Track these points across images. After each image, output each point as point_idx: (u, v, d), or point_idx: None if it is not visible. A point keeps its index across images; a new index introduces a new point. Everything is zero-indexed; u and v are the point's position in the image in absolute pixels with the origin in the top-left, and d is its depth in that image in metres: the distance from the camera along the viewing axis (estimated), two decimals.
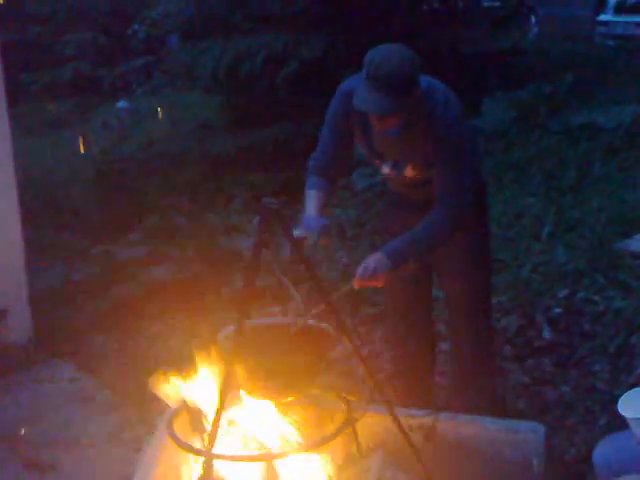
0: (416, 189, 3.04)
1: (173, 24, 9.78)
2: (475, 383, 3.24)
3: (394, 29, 7.48)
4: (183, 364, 2.55)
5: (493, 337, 3.48)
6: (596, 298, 4.50)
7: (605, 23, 11.64)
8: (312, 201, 2.98)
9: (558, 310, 4.44)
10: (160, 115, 10.26)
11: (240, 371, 2.33)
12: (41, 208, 6.48)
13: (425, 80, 2.80)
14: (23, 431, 3.66)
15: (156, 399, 2.58)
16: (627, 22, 11.11)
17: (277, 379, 2.38)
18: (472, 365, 3.25)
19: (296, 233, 2.50)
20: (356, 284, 2.75)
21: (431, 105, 2.79)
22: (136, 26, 12.15)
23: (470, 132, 3.08)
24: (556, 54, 10.40)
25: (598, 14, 11.92)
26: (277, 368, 2.36)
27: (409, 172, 2.94)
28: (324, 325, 2.50)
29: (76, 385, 4.10)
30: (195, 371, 2.50)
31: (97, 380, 4.13)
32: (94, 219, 6.53)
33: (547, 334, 4.26)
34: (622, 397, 2.28)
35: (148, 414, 3.59)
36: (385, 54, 2.70)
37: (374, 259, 2.75)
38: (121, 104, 11.26)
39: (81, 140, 8.04)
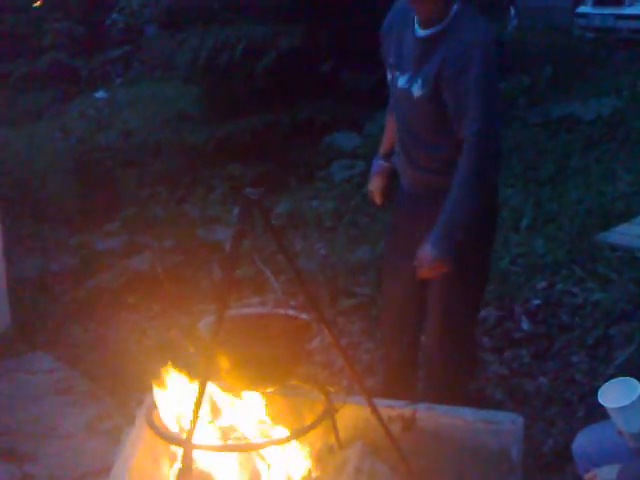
0: (404, 127, 2.95)
1: (152, 14, 9.72)
2: (446, 381, 3.13)
3: (373, 20, 7.46)
4: (162, 354, 2.54)
5: (472, 338, 3.37)
6: (575, 290, 4.52)
7: (584, 15, 11.65)
8: (383, 139, 3.24)
9: (537, 302, 4.45)
10: (138, 105, 10.19)
11: (219, 361, 2.32)
12: (19, 198, 6.44)
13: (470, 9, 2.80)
14: (1, 421, 3.63)
15: (135, 389, 2.57)
16: (606, 14, 11.12)
17: (256, 369, 2.37)
18: (443, 363, 3.13)
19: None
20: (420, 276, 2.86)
21: (465, 21, 2.75)
22: (115, 16, 12.06)
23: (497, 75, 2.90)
24: (535, 46, 10.42)
25: (577, 6, 11.93)
26: (256, 359, 2.34)
27: (417, 91, 2.82)
28: (303, 316, 2.49)
29: (54, 376, 4.08)
30: (174, 361, 2.48)
31: (75, 371, 4.11)
32: (72, 209, 6.49)
33: (526, 325, 4.27)
34: (602, 387, 2.29)
35: (127, 404, 3.58)
36: None
37: (423, 254, 2.79)
38: (99, 94, 11.18)
39: (59, 130, 7.97)
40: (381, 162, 3.23)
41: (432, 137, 2.89)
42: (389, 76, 2.98)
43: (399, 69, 2.91)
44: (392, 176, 3.23)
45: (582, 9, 11.73)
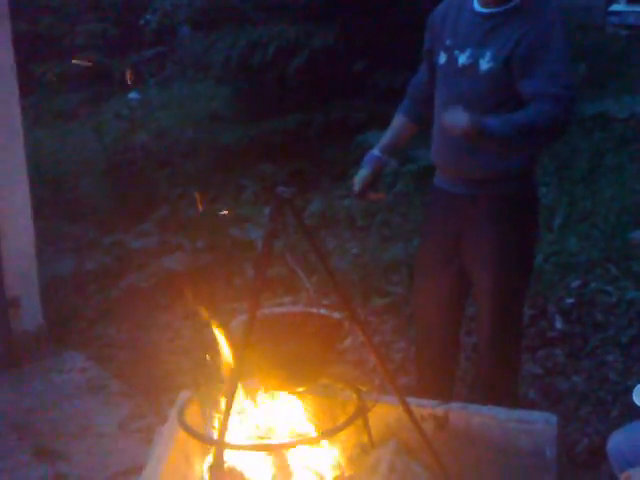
0: (473, 108, 2.82)
1: (185, 14, 9.76)
2: (497, 385, 3.17)
3: (404, 17, 7.45)
4: (194, 354, 2.55)
5: (521, 341, 3.37)
6: (609, 289, 4.48)
7: (617, 13, 11.55)
8: (386, 135, 3.22)
9: (570, 300, 4.41)
10: (171, 106, 10.24)
11: (251, 360, 2.32)
12: (52, 198, 6.50)
13: None
14: (34, 420, 3.67)
15: (167, 388, 2.58)
16: None
17: (289, 369, 2.37)
18: (493, 370, 3.17)
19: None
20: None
21: (542, 3, 2.89)
22: (148, 16, 12.13)
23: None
24: (570, 41, 10.32)
25: (610, 4, 11.82)
26: (288, 358, 2.35)
27: (485, 64, 2.84)
28: (336, 314, 2.49)
29: (86, 375, 4.12)
30: (207, 360, 2.49)
31: (107, 370, 4.14)
32: (105, 210, 6.54)
33: (559, 324, 4.24)
34: (637, 386, 2.27)
35: (159, 404, 3.60)
36: None
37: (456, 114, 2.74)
38: (132, 95, 11.24)
39: (93, 130, 8.03)
40: (376, 154, 3.20)
41: (495, 113, 2.83)
42: (442, 59, 2.97)
43: (458, 48, 2.92)
44: (380, 173, 3.21)
45: (615, 7, 11.62)
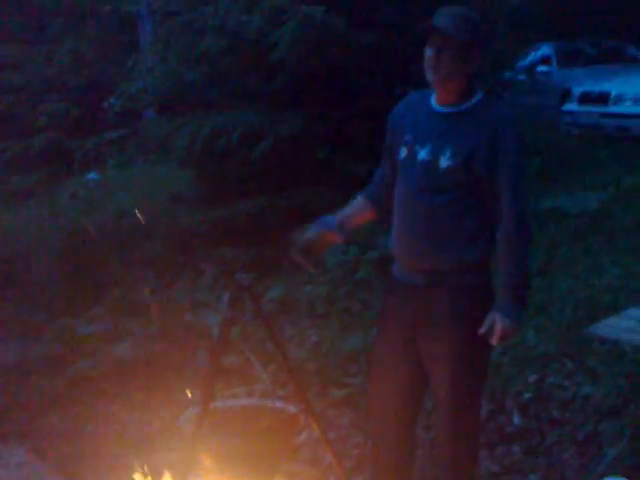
0: (423, 203, 2.95)
1: (150, 98, 9.84)
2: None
3: (369, 108, 7.59)
4: (142, 447, 2.46)
5: (477, 440, 3.28)
6: (565, 383, 4.46)
7: (570, 113, 11.97)
8: (343, 209, 3.26)
9: (528, 395, 4.38)
10: (131, 188, 10.22)
11: (202, 456, 2.25)
12: (2, 280, 6.37)
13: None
14: None
15: None
16: (591, 112, 11.42)
17: (241, 465, 2.30)
18: (455, 463, 3.09)
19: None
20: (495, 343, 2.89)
21: (490, 101, 3.00)
22: (112, 99, 12.22)
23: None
24: (524, 138, 10.59)
25: (563, 104, 12.24)
26: (241, 454, 2.28)
27: (445, 161, 2.90)
28: (291, 408, 2.43)
29: (25, 470, 3.95)
30: (156, 455, 2.41)
31: (48, 464, 3.97)
32: (57, 292, 6.42)
33: (517, 420, 4.20)
34: None
35: None
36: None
37: (498, 326, 2.85)
38: (91, 176, 11.24)
39: (49, 210, 7.98)
40: (329, 219, 3.19)
41: (455, 209, 2.93)
42: (403, 154, 3.03)
43: (418, 143, 2.98)
44: (324, 239, 3.15)
45: (568, 107, 12.03)
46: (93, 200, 8.02)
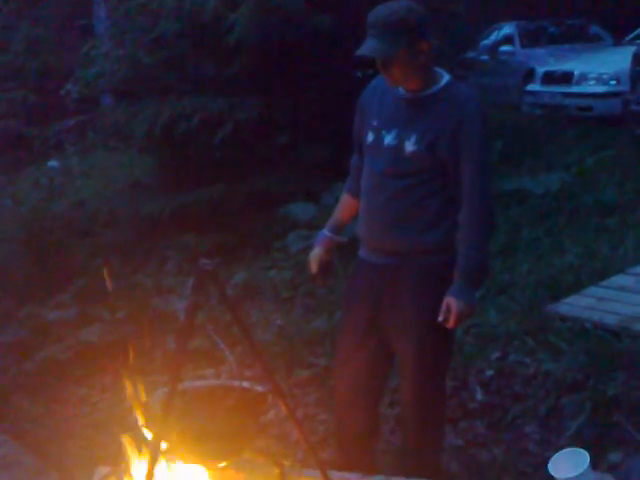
0: (388, 187, 3.01)
1: (107, 84, 9.75)
2: (421, 456, 3.17)
3: (330, 93, 7.60)
4: (112, 428, 2.49)
5: (443, 411, 3.38)
6: (527, 360, 4.54)
7: (533, 93, 11.97)
8: (334, 213, 3.34)
9: (490, 372, 4.46)
10: (92, 175, 10.15)
11: (172, 435, 2.28)
12: None
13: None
14: None
15: (82, 464, 2.51)
16: (554, 92, 11.43)
17: (210, 443, 2.33)
18: (418, 438, 3.18)
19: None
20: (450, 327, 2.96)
21: (456, 85, 3.01)
22: (69, 86, 12.09)
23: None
24: (488, 125, 10.64)
25: (526, 84, 12.26)
26: (210, 432, 2.31)
27: (410, 146, 2.95)
28: (258, 387, 2.47)
29: (0, 450, 3.96)
30: (124, 435, 2.43)
31: (21, 445, 3.99)
32: (22, 280, 6.39)
33: (479, 396, 4.27)
34: (552, 458, 2.30)
35: None
36: (385, 4, 2.91)
37: (451, 307, 2.91)
38: (52, 163, 11.13)
39: (10, 198, 7.91)
40: (326, 233, 3.30)
41: (419, 193, 2.98)
42: (370, 138, 3.07)
43: (384, 128, 3.03)
44: (333, 251, 3.30)
45: (531, 87, 12.05)
46: (54, 187, 7.94)
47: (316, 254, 3.26)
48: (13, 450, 3.96)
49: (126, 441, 2.40)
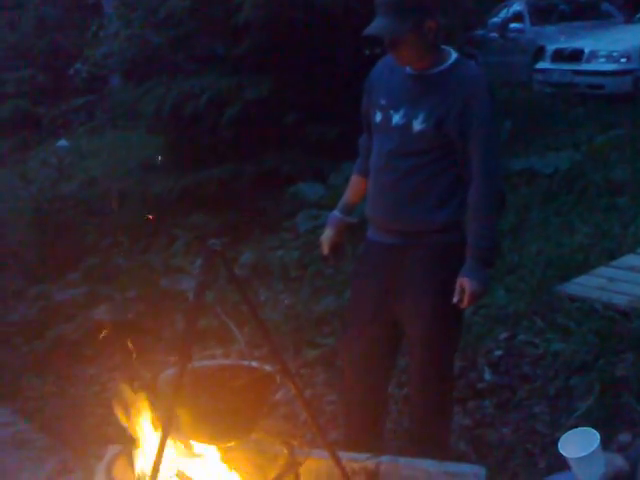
0: (397, 166, 3.01)
1: (116, 63, 9.74)
2: (429, 436, 3.18)
3: (338, 72, 7.57)
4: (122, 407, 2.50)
5: (451, 391, 3.39)
6: (536, 340, 4.54)
7: (542, 71, 11.88)
8: (344, 194, 3.32)
9: (499, 352, 4.46)
10: (101, 154, 10.16)
11: (181, 415, 2.29)
12: None
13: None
14: None
15: (94, 443, 2.53)
16: (564, 70, 11.34)
17: (219, 423, 2.34)
18: (427, 418, 3.19)
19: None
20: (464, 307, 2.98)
21: (464, 63, 3.00)
22: (78, 65, 12.08)
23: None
24: (495, 100, 10.59)
25: (536, 62, 12.17)
26: (219, 412, 2.32)
27: (418, 125, 2.95)
28: (267, 367, 2.48)
29: (12, 429, 4.00)
30: (135, 415, 2.44)
31: (33, 424, 4.03)
32: (32, 259, 6.42)
33: (488, 376, 4.28)
34: (562, 437, 2.30)
35: (86, 458, 3.51)
36: None
37: (464, 288, 2.92)
38: (61, 143, 11.13)
39: (20, 178, 7.92)
40: (337, 214, 3.29)
41: (428, 171, 2.98)
42: (378, 118, 3.07)
43: (392, 107, 3.02)
44: (345, 232, 3.30)
45: (541, 65, 11.96)
46: (63, 167, 7.94)
47: (327, 236, 3.26)
48: (24, 429, 3.99)
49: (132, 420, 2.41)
